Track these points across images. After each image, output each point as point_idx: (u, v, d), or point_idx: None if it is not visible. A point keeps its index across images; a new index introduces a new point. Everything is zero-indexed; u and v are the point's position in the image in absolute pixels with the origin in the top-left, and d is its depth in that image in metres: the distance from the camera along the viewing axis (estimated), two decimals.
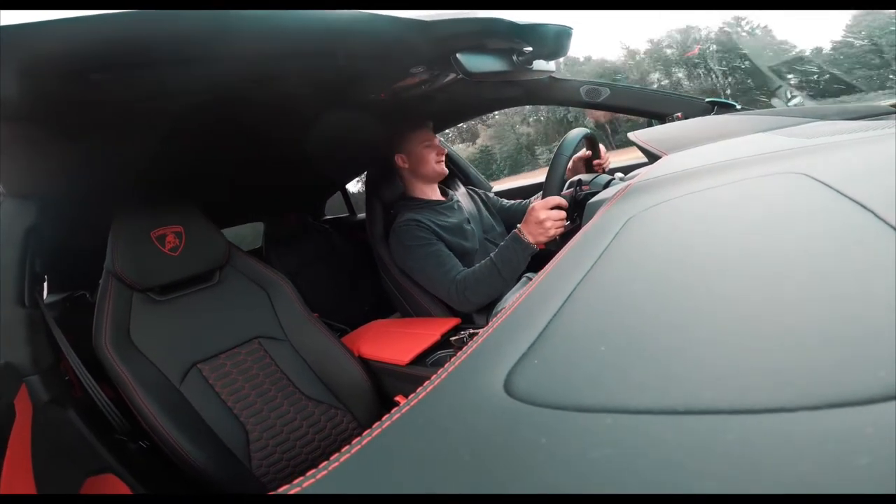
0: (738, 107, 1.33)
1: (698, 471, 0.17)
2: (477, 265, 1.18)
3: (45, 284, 1.43)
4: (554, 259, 0.47)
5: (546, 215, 1.04)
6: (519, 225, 1.11)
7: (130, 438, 0.94)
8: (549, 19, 0.99)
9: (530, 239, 1.08)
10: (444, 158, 1.38)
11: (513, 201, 1.61)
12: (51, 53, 0.57)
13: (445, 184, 1.49)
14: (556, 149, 1.05)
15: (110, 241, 1.04)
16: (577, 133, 1.06)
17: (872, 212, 0.31)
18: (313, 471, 0.26)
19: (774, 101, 1.42)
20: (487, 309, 1.22)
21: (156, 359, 0.99)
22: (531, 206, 1.09)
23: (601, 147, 1.29)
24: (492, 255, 1.15)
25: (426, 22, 0.84)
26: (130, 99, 0.77)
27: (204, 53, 0.69)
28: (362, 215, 2.17)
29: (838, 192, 0.36)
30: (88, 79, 0.64)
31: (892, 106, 0.92)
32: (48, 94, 0.65)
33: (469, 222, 1.38)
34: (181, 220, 1.11)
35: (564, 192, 1.06)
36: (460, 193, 1.51)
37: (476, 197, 1.55)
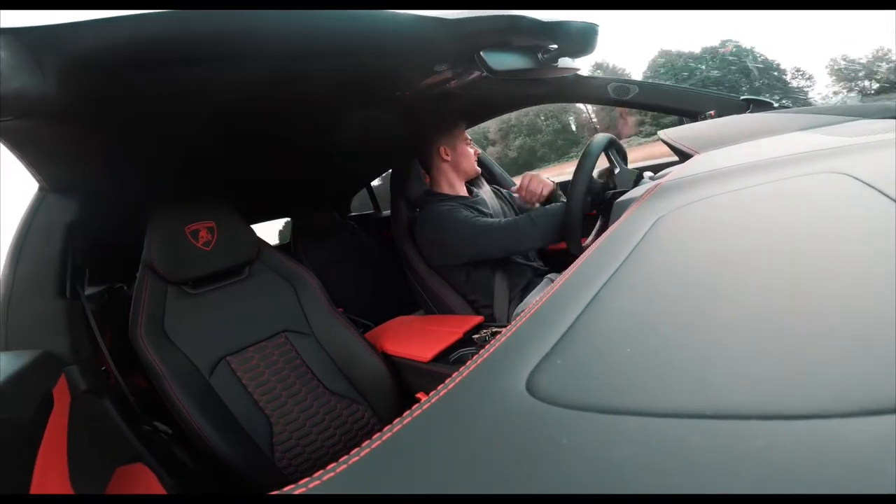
0: (776, 104, 1.28)
1: (726, 475, 0.17)
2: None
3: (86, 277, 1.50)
4: (579, 259, 0.46)
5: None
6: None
7: (156, 428, 0.98)
8: (574, 17, 0.97)
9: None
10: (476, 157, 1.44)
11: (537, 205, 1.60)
12: (89, 53, 0.59)
13: (470, 181, 1.49)
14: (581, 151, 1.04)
15: (147, 235, 1.07)
16: (601, 138, 1.04)
17: None
18: (333, 465, 0.26)
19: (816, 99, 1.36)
20: (510, 307, 1.22)
21: (188, 351, 1.02)
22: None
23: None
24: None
25: (450, 20, 0.84)
26: (164, 97, 0.79)
27: (235, 53, 0.71)
28: (387, 212, 2.19)
29: (881, 192, 0.35)
30: (124, 77, 0.67)
31: None
32: (87, 93, 0.67)
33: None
34: (213, 216, 1.14)
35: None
36: (484, 191, 1.51)
37: (500, 195, 1.55)
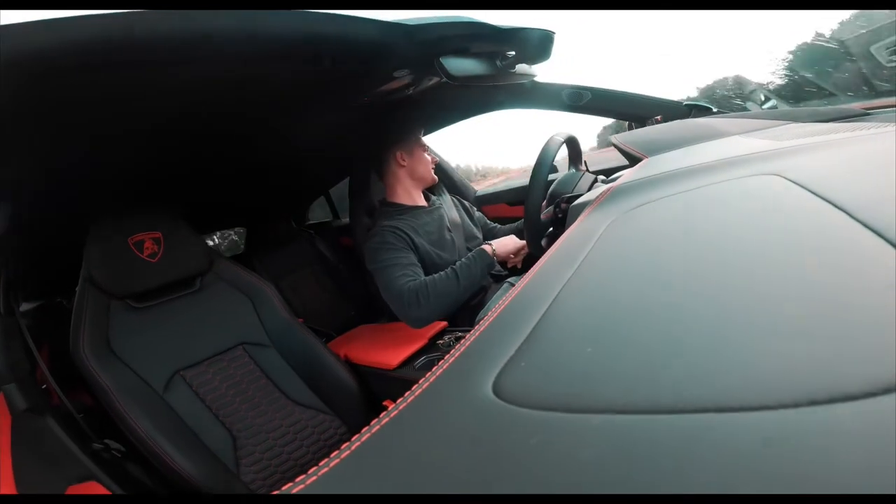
0: (715, 110, 1.36)
1: (686, 469, 0.18)
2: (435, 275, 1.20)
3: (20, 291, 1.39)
4: (538, 262, 0.47)
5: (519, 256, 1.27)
6: (493, 244, 1.23)
7: (108, 446, 0.93)
8: (542, 21, 0.99)
9: (500, 251, 1.22)
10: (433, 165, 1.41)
11: (496, 225, 1.62)
12: (24, 56, 0.55)
13: (430, 189, 1.49)
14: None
15: (86, 246, 1.01)
16: (555, 143, 1.05)
17: (845, 210, 0.32)
18: (302, 476, 0.26)
19: (749, 105, 1.46)
20: (471, 313, 1.23)
21: (137, 367, 0.97)
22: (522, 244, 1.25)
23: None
24: (452, 267, 1.21)
25: (410, 26, 0.84)
26: (110, 101, 0.75)
27: (183, 56, 0.68)
28: (346, 219, 2.16)
29: (811, 191, 0.38)
30: (63, 81, 0.63)
31: (861, 109, 0.95)
32: (22, 96, 0.63)
33: (450, 231, 1.38)
34: (160, 226, 1.09)
35: (544, 214, 1.05)
36: (444, 200, 1.51)
37: (460, 205, 1.55)
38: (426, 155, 1.39)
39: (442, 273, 1.18)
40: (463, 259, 1.21)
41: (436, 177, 1.42)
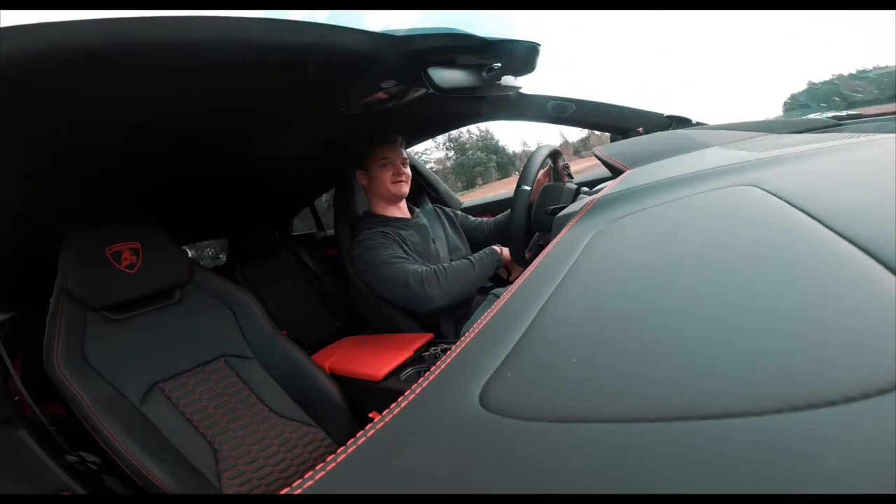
0: (694, 122, 1.39)
1: (673, 476, 0.18)
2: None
3: None
4: (524, 274, 0.48)
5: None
6: (504, 248, 1.25)
7: (83, 459, 0.90)
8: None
9: (506, 255, 1.23)
10: (403, 178, 1.35)
11: (481, 219, 1.62)
12: (4, 61, 0.54)
13: (413, 200, 1.48)
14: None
15: (62, 257, 0.99)
16: (538, 158, 1.06)
17: (819, 220, 0.33)
18: (287, 490, 0.26)
19: None
20: (456, 324, 1.23)
21: (113, 379, 0.94)
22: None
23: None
24: (466, 256, 1.23)
25: (398, 37, 0.85)
26: (88, 107, 0.74)
27: (164, 63, 0.67)
28: (331, 231, 2.14)
29: (787, 202, 0.38)
30: (39, 86, 0.62)
31: (832, 118, 0.99)
32: None
33: (434, 242, 1.37)
34: (138, 236, 1.07)
35: (529, 247, 1.05)
36: (427, 211, 1.51)
37: (443, 215, 1.55)
38: (386, 171, 1.33)
39: (455, 262, 1.21)
40: (474, 254, 1.25)
41: (403, 191, 1.36)
